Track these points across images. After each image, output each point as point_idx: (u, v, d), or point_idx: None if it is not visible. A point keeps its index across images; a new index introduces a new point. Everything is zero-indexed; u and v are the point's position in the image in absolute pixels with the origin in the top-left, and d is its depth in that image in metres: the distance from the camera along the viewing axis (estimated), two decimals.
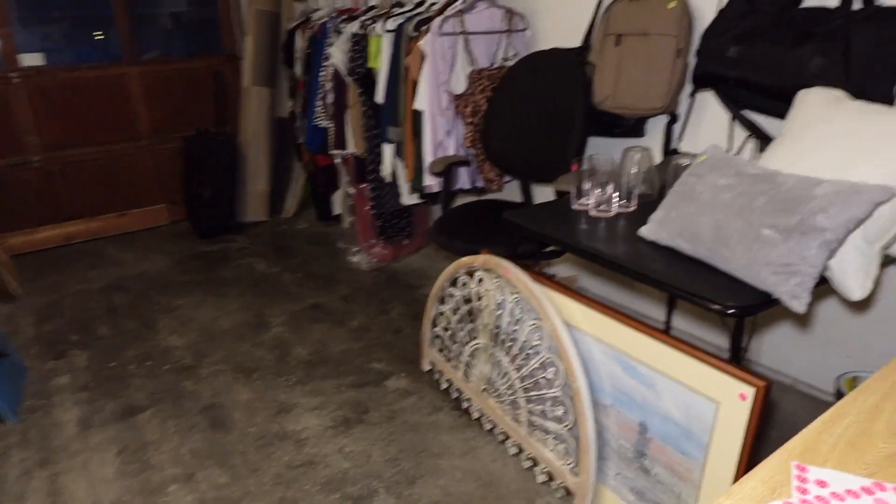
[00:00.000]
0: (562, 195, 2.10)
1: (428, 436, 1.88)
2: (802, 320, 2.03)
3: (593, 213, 1.76)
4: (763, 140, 1.81)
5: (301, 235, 3.77)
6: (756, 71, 1.69)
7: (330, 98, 3.22)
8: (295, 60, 3.68)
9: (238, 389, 2.16)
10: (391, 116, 2.75)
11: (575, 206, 1.82)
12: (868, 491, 0.74)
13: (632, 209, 1.77)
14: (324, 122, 3.33)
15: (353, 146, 3.15)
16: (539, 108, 2.30)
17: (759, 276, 1.22)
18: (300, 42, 3.62)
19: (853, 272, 1.23)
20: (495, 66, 2.58)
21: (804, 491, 0.74)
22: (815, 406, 1.94)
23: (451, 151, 2.58)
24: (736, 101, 1.89)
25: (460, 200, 3.09)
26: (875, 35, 1.52)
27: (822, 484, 0.75)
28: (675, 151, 2.13)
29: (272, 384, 2.18)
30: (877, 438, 0.81)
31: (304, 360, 2.33)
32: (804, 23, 1.63)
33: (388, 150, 2.91)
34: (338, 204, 3.94)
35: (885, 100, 1.57)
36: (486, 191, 2.79)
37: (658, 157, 2.20)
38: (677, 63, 2.01)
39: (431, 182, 2.57)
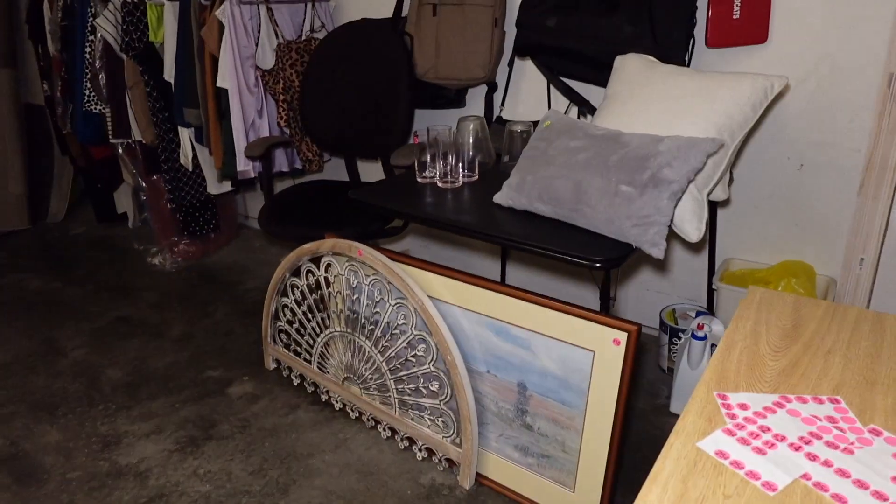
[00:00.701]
0: (397, 170, 2.05)
1: (291, 437, 1.73)
2: (637, 268, 2.25)
3: (440, 184, 1.74)
4: (582, 105, 1.94)
5: (79, 241, 3.23)
6: (574, 40, 1.79)
7: (103, 79, 2.77)
8: (46, 35, 3.10)
9: (42, 431, 1.78)
10: (186, 97, 2.45)
11: (420, 180, 1.78)
12: (779, 405, 0.82)
13: (475, 178, 1.79)
14: (97, 108, 2.86)
15: (138, 133, 2.76)
16: (359, 82, 2.21)
17: (621, 229, 1.30)
18: (49, 13, 3.05)
19: (689, 217, 1.37)
20: (303, 38, 2.42)
21: (733, 416, 0.80)
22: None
23: (264, 132, 2.38)
24: (553, 69, 2.00)
25: (277, 185, 2.89)
26: (671, 5, 1.69)
27: (743, 406, 0.81)
28: (499, 119, 2.20)
29: (86, 417, 1.84)
30: (766, 358, 0.91)
31: (121, 384, 2.00)
32: None
33: (185, 135, 2.59)
34: (122, 201, 3.44)
35: (683, 63, 1.77)
36: (304, 172, 2.63)
37: None
38: (495, 33, 2.06)
39: (247, 167, 2.35)
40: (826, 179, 1.76)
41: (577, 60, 1.88)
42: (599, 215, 1.33)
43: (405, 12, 2.31)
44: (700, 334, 1.71)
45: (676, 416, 1.81)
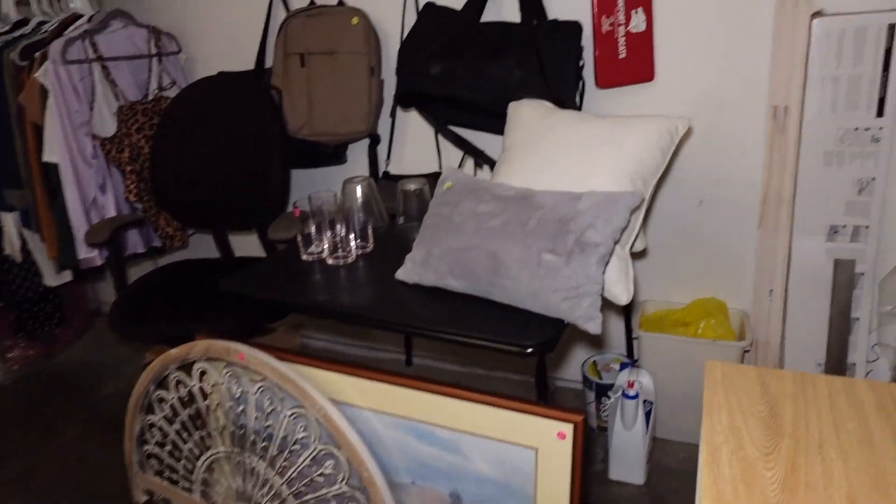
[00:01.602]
0: (278, 244, 1.78)
1: None
2: None
3: (330, 261, 1.51)
4: (477, 156, 1.79)
5: None
6: (462, 87, 1.64)
7: None
8: None
9: None
10: (5, 176, 2.04)
11: (305, 257, 1.54)
12: None
13: (370, 248, 1.57)
14: None
15: None
16: (222, 144, 1.93)
17: (549, 303, 1.13)
18: None
19: (616, 278, 1.24)
20: (150, 98, 2.10)
21: None
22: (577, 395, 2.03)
23: (110, 211, 2.01)
24: (440, 118, 1.84)
25: (134, 271, 2.49)
26: (558, 48, 1.59)
27: None
28: (387, 175, 2.00)
29: None
30: (760, 466, 0.76)
31: None
32: (496, 37, 1.64)
33: (9, 220, 2.16)
34: None
35: (574, 107, 1.67)
36: (164, 251, 2.28)
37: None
38: (373, 82, 1.87)
39: (91, 254, 1.97)
40: (726, 215, 1.72)
41: (466, 108, 1.73)
42: (522, 289, 1.16)
43: (269, 63, 2.07)
44: (631, 393, 1.59)
45: (619, 484, 1.67)
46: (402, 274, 1.36)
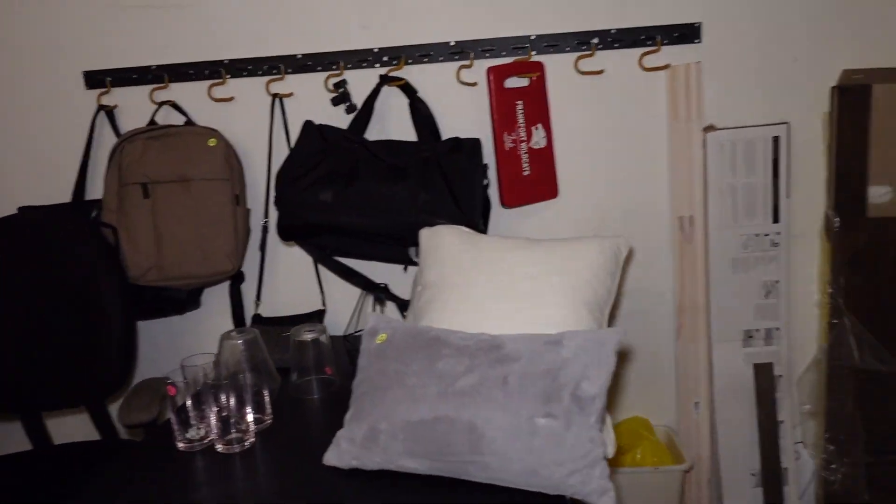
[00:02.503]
0: (129, 430, 1.35)
1: None
2: None
3: (221, 448, 1.14)
4: (378, 291, 1.55)
5: None
6: (357, 214, 1.42)
7: None
8: None
9: None
10: None
11: (182, 446, 1.15)
12: None
13: (269, 421, 1.23)
14: None
15: None
16: (35, 300, 1.47)
17: (551, 480, 0.91)
18: None
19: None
20: None
21: None
22: None
23: None
24: (326, 249, 1.58)
25: None
26: (463, 167, 1.46)
27: None
28: (259, 318, 1.67)
29: None
30: None
31: None
32: (391, 157, 1.47)
33: None
34: None
35: (483, 230, 1.54)
36: None
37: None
38: (238, 211, 1.58)
39: None
40: (642, 327, 1.66)
41: (360, 237, 1.50)
42: (513, 465, 0.93)
43: (92, 194, 1.67)
44: None
45: None
46: (332, 458, 1.04)
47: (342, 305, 1.69)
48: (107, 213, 1.54)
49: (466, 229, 1.36)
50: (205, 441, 1.16)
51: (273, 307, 1.72)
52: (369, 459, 1.01)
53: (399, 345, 1.08)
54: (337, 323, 1.69)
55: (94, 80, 1.65)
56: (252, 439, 1.16)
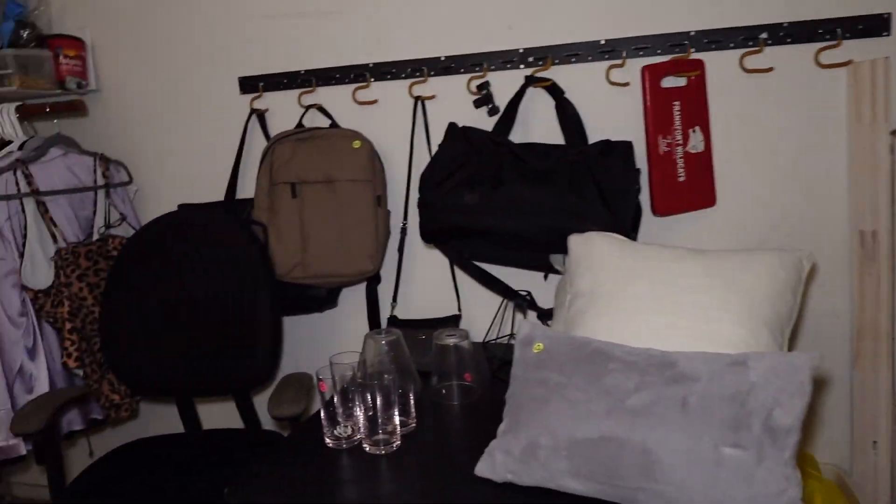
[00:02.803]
0: (278, 422, 1.38)
1: None
2: None
3: (369, 447, 1.13)
4: (519, 299, 1.50)
5: None
6: (503, 218, 1.37)
7: None
8: None
9: None
10: None
11: (331, 442, 1.15)
12: None
13: (413, 425, 1.21)
14: None
15: None
16: (191, 293, 1.55)
17: None
18: None
19: None
20: (95, 238, 1.70)
21: None
22: None
23: (42, 382, 1.54)
24: (464, 253, 1.56)
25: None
26: (615, 171, 1.38)
27: None
28: (394, 320, 1.67)
29: None
30: None
31: None
32: (538, 161, 1.41)
33: None
34: None
35: (634, 238, 1.45)
36: (105, 423, 1.79)
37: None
38: (379, 213, 1.58)
39: (13, 441, 1.47)
40: (812, 351, 1.49)
41: (502, 242, 1.46)
42: (694, 498, 0.84)
43: (242, 193, 1.75)
44: None
45: None
46: (485, 469, 1.00)
47: (477, 311, 1.66)
48: (258, 211, 1.60)
49: (619, 236, 1.28)
50: (353, 439, 1.15)
51: (408, 310, 1.71)
52: (527, 475, 0.96)
53: (558, 356, 1.02)
54: (472, 329, 1.65)
55: (248, 85, 1.73)
56: (398, 442, 1.14)
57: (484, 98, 1.53)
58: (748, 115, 1.43)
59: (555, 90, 1.47)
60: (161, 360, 1.53)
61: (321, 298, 1.69)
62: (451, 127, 1.48)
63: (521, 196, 1.37)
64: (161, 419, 1.95)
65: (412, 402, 1.23)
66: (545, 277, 1.58)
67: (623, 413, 0.91)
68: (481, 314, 1.65)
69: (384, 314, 1.72)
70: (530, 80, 1.48)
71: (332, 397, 1.16)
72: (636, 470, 0.88)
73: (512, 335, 1.50)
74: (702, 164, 1.45)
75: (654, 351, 0.97)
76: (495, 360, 1.45)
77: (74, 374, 1.61)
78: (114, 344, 1.53)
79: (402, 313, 1.71)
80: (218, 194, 1.79)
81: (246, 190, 1.77)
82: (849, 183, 1.40)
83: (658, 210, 1.44)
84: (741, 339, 1.02)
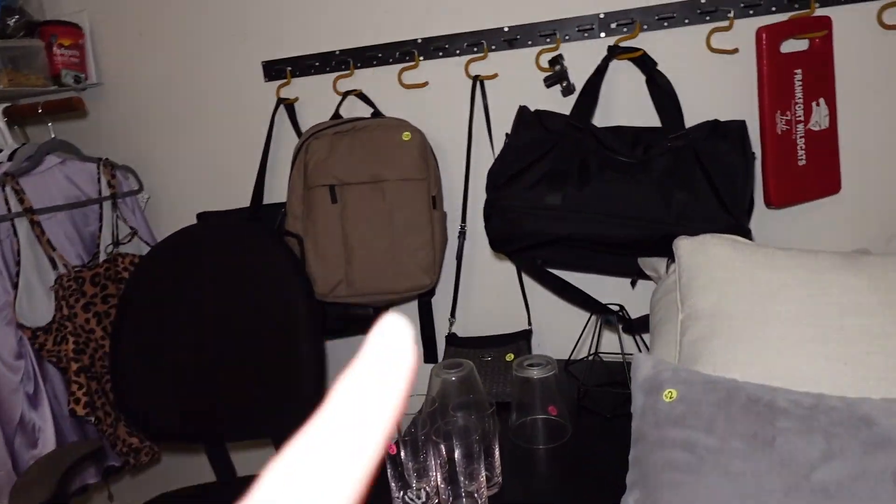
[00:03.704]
0: None
1: None
2: None
3: None
4: (608, 314, 1.26)
5: None
6: (593, 221, 1.13)
7: None
8: None
9: None
10: None
11: None
12: None
13: (498, 481, 0.98)
14: None
15: None
16: (220, 321, 1.32)
17: None
18: None
19: None
20: (102, 258, 1.48)
21: None
22: None
23: (48, 436, 1.32)
24: (535, 262, 1.32)
25: None
26: (726, 159, 1.13)
27: None
28: (453, 338, 1.44)
29: None
30: None
31: None
32: (631, 149, 1.17)
33: None
34: None
35: (749, 235, 1.20)
36: (122, 470, 1.58)
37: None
38: (435, 216, 1.35)
39: None
40: None
41: (585, 247, 1.22)
42: None
43: (270, 198, 1.52)
44: None
45: None
46: None
47: (549, 324, 1.43)
48: (292, 220, 1.37)
49: (741, 239, 1.04)
50: None
51: (467, 326, 1.48)
52: None
53: (701, 407, 0.78)
54: (544, 346, 1.43)
55: (274, 70, 1.49)
56: None
57: (557, 75, 1.28)
58: (884, 82, 1.17)
59: (645, 62, 1.22)
60: (184, 403, 1.31)
61: (367, 318, 1.46)
62: (522, 111, 1.24)
63: (614, 194, 1.13)
64: (187, 464, 1.75)
65: (497, 452, 1.00)
66: (633, 285, 1.35)
67: (810, 493, 0.68)
68: (555, 328, 1.42)
69: (439, 331, 1.50)
70: (614, 51, 1.23)
71: (404, 456, 0.94)
72: None
73: (596, 354, 1.27)
74: (826, 144, 1.20)
75: (832, 399, 0.74)
76: (580, 385, 1.22)
77: (85, 421, 1.40)
78: (125, 384, 1.31)
79: (462, 330, 1.48)
80: (242, 200, 1.56)
81: (274, 194, 1.54)
82: None
83: (773, 201, 1.20)
84: None
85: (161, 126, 1.60)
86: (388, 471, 0.95)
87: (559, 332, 1.41)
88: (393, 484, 0.95)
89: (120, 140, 1.63)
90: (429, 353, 1.51)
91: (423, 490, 0.95)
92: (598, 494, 0.93)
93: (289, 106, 1.49)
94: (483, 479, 0.93)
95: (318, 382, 1.28)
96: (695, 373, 0.83)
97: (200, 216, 1.55)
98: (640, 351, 1.25)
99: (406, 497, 0.95)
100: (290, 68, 1.47)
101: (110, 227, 1.49)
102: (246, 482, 1.35)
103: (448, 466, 0.92)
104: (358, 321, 1.45)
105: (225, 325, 1.31)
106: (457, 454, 0.92)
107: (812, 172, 1.20)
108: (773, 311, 0.90)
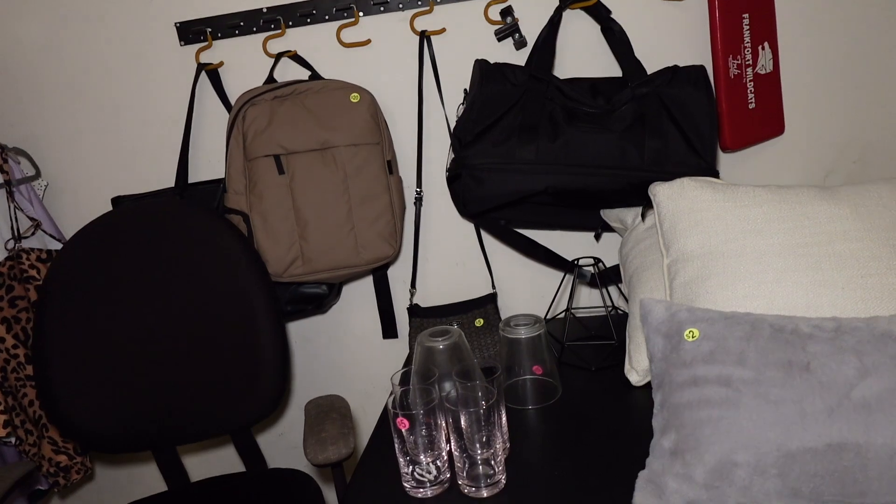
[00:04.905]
0: (324, 467, 1.07)
1: None
2: None
3: (469, 489, 0.86)
4: (572, 268, 1.24)
5: None
6: (569, 173, 1.11)
7: None
8: None
9: None
10: None
11: (417, 491, 0.87)
12: None
13: (508, 447, 0.95)
14: None
15: None
16: (162, 314, 1.17)
17: None
18: None
19: None
20: (3, 257, 1.27)
21: None
22: None
23: None
24: (500, 223, 1.28)
25: None
26: (690, 103, 1.14)
27: None
28: (416, 310, 1.37)
29: None
30: None
31: None
32: (596, 99, 1.15)
33: None
34: None
35: (718, 176, 1.23)
36: (45, 494, 1.38)
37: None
38: (392, 182, 1.27)
39: None
40: None
41: (552, 203, 1.20)
42: None
43: (196, 176, 1.37)
44: None
45: None
46: (649, 500, 0.76)
47: (513, 287, 1.40)
48: (233, 196, 1.24)
49: (716, 180, 1.05)
50: (443, 482, 0.88)
51: (427, 295, 1.42)
52: (718, 502, 0.72)
53: (729, 343, 0.78)
54: (510, 308, 1.40)
55: (191, 32, 1.33)
56: (503, 475, 0.88)
57: (508, 28, 1.24)
58: (819, 25, 1.23)
59: (599, 11, 1.20)
60: (126, 407, 1.16)
61: (321, 297, 1.36)
62: (482, 64, 1.18)
63: (586, 145, 1.11)
64: (125, 476, 1.56)
65: (504, 417, 0.96)
66: (597, 238, 1.35)
67: (852, 410, 0.69)
68: (519, 289, 1.40)
69: (398, 304, 1.43)
70: (567, 1, 1.20)
71: (416, 431, 0.88)
72: (884, 482, 0.67)
73: (568, 310, 1.26)
74: (771, 87, 1.25)
75: (851, 320, 0.76)
76: (562, 341, 1.21)
77: (4, 443, 1.20)
78: (54, 393, 1.13)
79: (423, 300, 1.42)
80: (164, 180, 1.41)
81: (201, 171, 1.39)
82: None
83: (730, 144, 1.23)
84: None
85: (57, 101, 1.39)
86: (396, 446, 0.89)
87: (523, 292, 1.39)
88: (401, 460, 0.89)
89: (7, 119, 1.40)
90: (388, 327, 1.44)
91: (432, 464, 0.89)
92: (604, 446, 0.92)
93: (212, 72, 1.33)
94: (500, 445, 0.88)
95: (280, 372, 1.17)
96: (710, 311, 0.83)
97: (116, 201, 1.37)
98: (610, 304, 1.25)
99: (416, 473, 0.88)
100: (209, 29, 1.32)
101: (7, 221, 1.28)
102: (205, 486, 1.23)
103: (459, 435, 0.87)
104: (313, 299, 1.35)
105: (168, 317, 1.17)
106: (467, 422, 0.87)
107: (761, 115, 1.25)
108: (764, 246, 0.92)
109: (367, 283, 1.43)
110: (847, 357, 0.72)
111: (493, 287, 1.38)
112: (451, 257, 1.40)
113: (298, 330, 1.47)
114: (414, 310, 1.38)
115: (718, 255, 0.94)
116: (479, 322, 1.30)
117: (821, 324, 0.78)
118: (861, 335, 0.74)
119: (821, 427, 0.69)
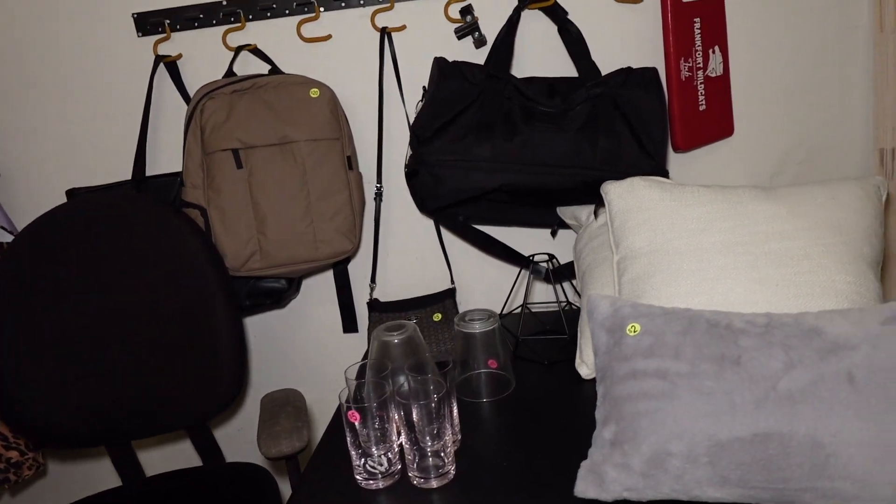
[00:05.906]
0: (278, 460, 1.08)
1: None
2: None
3: (418, 480, 0.88)
4: (529, 264, 1.27)
5: None
6: (523, 171, 1.13)
7: None
8: None
9: None
10: None
11: (367, 482, 0.89)
12: None
13: (459, 438, 0.97)
14: None
15: None
16: (117, 308, 1.17)
17: None
18: None
19: None
20: None
21: None
22: None
23: None
24: (458, 219, 1.30)
25: None
26: (642, 104, 1.18)
27: None
28: (375, 304, 1.38)
29: None
30: None
31: None
32: (551, 99, 1.18)
33: None
34: None
35: (668, 176, 1.27)
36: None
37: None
38: (351, 177, 1.28)
39: None
40: None
41: (509, 200, 1.22)
42: (880, 490, 0.69)
43: (154, 169, 1.36)
44: None
45: None
46: (592, 489, 0.79)
47: (471, 282, 1.42)
48: (191, 190, 1.24)
49: (665, 180, 1.09)
50: (392, 473, 0.90)
51: (386, 290, 1.44)
52: (652, 489, 0.76)
53: (667, 337, 0.81)
54: (468, 303, 1.42)
55: (149, 24, 1.32)
56: (453, 466, 0.90)
57: (468, 26, 1.25)
58: (764, 28, 1.27)
59: (556, 11, 1.23)
60: (79, 402, 1.15)
61: (280, 291, 1.36)
62: (441, 62, 1.20)
63: (542, 144, 1.13)
64: (80, 472, 1.55)
65: (455, 410, 0.98)
66: (553, 235, 1.37)
67: (778, 402, 0.73)
68: (477, 284, 1.42)
69: (358, 298, 1.44)
70: (525, 1, 1.22)
71: (368, 424, 0.89)
72: (805, 469, 0.71)
73: (524, 305, 1.28)
74: (721, 90, 1.29)
75: (781, 316, 0.80)
76: (516, 336, 1.23)
77: None
78: (6, 388, 1.12)
79: (383, 295, 1.43)
80: (120, 173, 1.39)
81: (158, 164, 1.38)
82: (871, 99, 1.30)
83: (681, 145, 1.27)
84: (849, 286, 0.89)
85: (10, 91, 1.36)
86: (348, 440, 0.90)
87: (482, 287, 1.41)
88: (353, 452, 0.90)
89: None
90: (348, 322, 1.45)
91: (383, 456, 0.91)
92: (554, 438, 0.94)
93: (171, 64, 1.33)
94: (449, 437, 0.90)
95: (238, 366, 1.18)
96: (652, 306, 0.86)
97: (71, 193, 1.36)
98: (564, 299, 1.28)
99: (368, 465, 0.90)
100: (168, 21, 1.31)
101: None
102: (158, 482, 1.23)
103: (411, 428, 0.89)
104: (270, 295, 1.35)
105: (123, 311, 1.16)
106: (418, 415, 0.88)
107: (711, 117, 1.29)
108: (707, 244, 0.95)
109: (328, 278, 1.43)
110: (775, 351, 0.76)
111: (452, 282, 1.40)
112: (410, 252, 1.41)
113: (258, 325, 1.47)
114: (374, 304, 1.39)
115: (664, 252, 0.98)
116: (438, 317, 1.32)
117: (753, 319, 0.81)
118: (789, 330, 0.78)
119: (749, 418, 0.73)
